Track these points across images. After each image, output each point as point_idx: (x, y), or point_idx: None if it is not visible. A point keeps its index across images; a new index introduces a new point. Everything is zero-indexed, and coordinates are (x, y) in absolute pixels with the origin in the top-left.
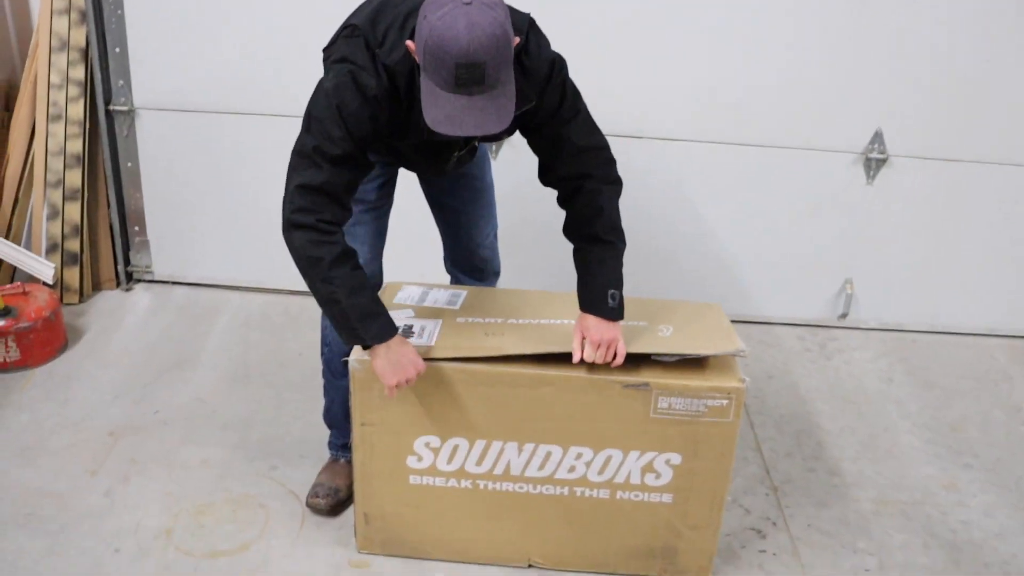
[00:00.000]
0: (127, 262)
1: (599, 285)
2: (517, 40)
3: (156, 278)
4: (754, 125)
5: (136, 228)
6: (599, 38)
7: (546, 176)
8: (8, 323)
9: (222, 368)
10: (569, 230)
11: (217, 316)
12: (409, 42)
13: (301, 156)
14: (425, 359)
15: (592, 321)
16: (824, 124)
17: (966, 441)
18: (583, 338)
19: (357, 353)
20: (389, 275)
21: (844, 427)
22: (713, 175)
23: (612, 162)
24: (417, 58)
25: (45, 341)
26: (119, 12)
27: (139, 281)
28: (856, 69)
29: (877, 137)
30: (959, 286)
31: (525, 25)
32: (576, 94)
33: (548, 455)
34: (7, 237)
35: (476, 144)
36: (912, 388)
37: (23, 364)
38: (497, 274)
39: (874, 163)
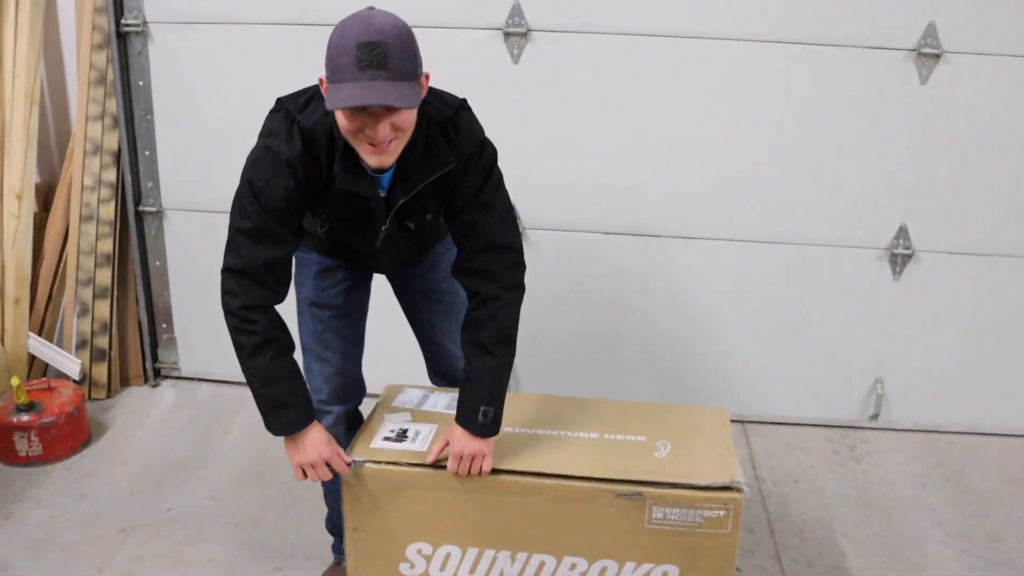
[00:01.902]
0: (155, 358)
1: (472, 400)
2: (427, 75)
3: (183, 374)
4: (777, 222)
5: (164, 325)
6: (622, 133)
7: (455, 266)
8: (32, 418)
9: (237, 466)
10: (462, 330)
11: (239, 413)
12: (320, 78)
13: (227, 242)
14: (413, 464)
15: (459, 433)
16: (848, 220)
17: (1005, 552)
18: (446, 444)
19: (353, 462)
20: (395, 375)
21: (871, 535)
22: (736, 272)
23: (519, 265)
24: (324, 89)
25: (67, 436)
26: (149, 118)
27: (166, 377)
28: (880, 164)
29: (902, 232)
30: (997, 384)
31: (456, 104)
32: (500, 186)
33: (542, 564)
34: (40, 333)
35: (411, 226)
36: (947, 493)
37: (45, 459)
38: None
39: (900, 259)
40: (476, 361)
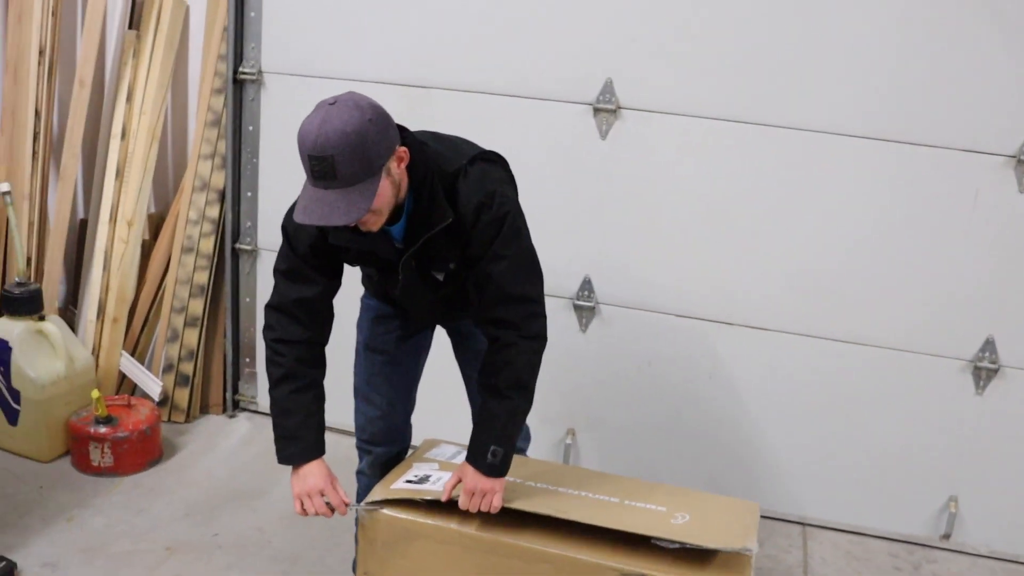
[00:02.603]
0: (235, 390)
1: (483, 440)
2: (404, 149)
3: (259, 409)
4: (853, 321)
5: (247, 359)
6: (702, 216)
7: (476, 314)
8: (107, 431)
9: (290, 503)
10: (479, 373)
11: None
12: None
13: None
14: (424, 512)
15: (470, 471)
16: (931, 327)
17: None
18: (458, 482)
19: (366, 503)
20: (443, 430)
21: None
22: (807, 369)
23: (537, 316)
24: None
25: (138, 452)
26: (254, 161)
27: (244, 409)
28: (968, 271)
29: (989, 345)
30: None
31: (472, 155)
32: (516, 237)
33: None
34: (133, 354)
35: (438, 277)
36: None
37: (114, 471)
38: (522, 451)
39: (984, 372)
40: (490, 402)
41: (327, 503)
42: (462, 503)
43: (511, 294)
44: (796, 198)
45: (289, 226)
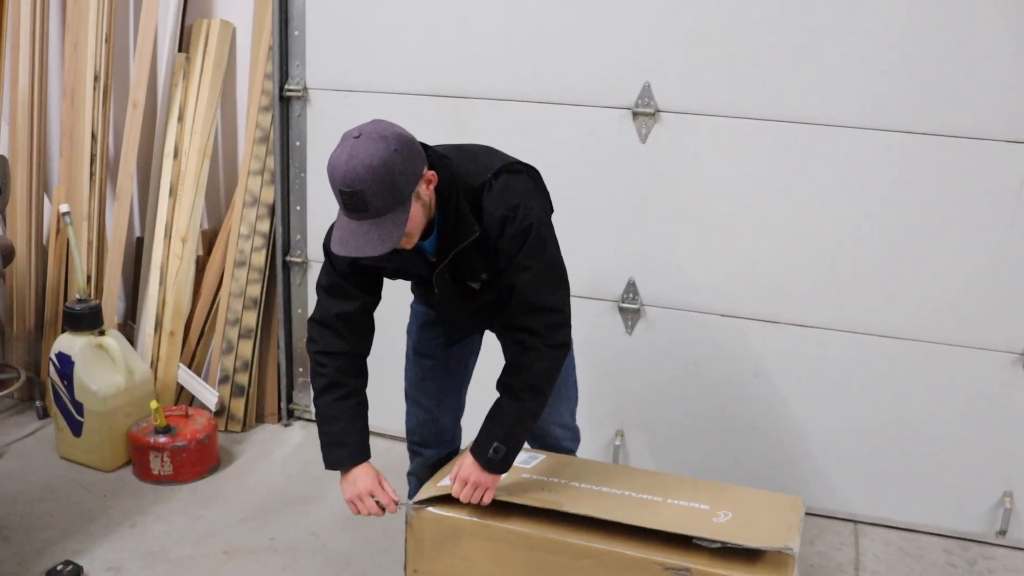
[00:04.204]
0: (289, 399)
1: (488, 435)
2: (432, 173)
3: (313, 417)
4: (898, 316)
5: (300, 369)
6: (744, 215)
7: (503, 321)
8: (166, 440)
9: (344, 507)
10: (500, 380)
11: None
12: None
13: None
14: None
15: (468, 461)
16: (980, 322)
17: None
18: (456, 474)
19: (414, 502)
20: None
21: None
22: (851, 366)
23: (561, 326)
24: None
25: (196, 461)
26: (302, 175)
27: (299, 419)
28: (1017, 264)
29: None
30: None
31: (496, 169)
32: (542, 247)
33: None
34: (190, 366)
35: (474, 286)
36: None
37: (174, 479)
38: (571, 452)
39: None
40: (503, 401)
41: (377, 502)
42: (455, 491)
43: (536, 304)
44: (838, 195)
45: (328, 244)
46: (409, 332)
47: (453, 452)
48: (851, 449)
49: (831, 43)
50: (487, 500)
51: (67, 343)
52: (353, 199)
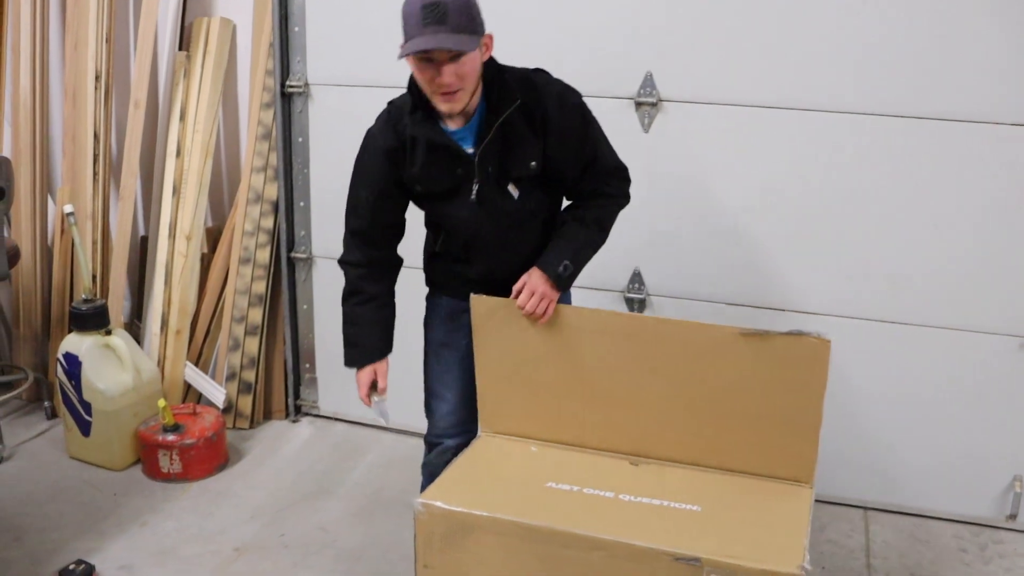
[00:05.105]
0: (296, 396)
1: (560, 253)
2: (491, 36)
3: (321, 413)
4: (906, 302)
5: (307, 365)
6: (749, 203)
7: (577, 192)
8: (175, 438)
9: (353, 503)
10: (565, 210)
11: (366, 454)
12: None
13: None
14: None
15: (537, 274)
16: (986, 306)
17: None
18: (523, 284)
19: (422, 498)
20: None
21: None
22: (860, 352)
23: (629, 182)
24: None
25: (205, 458)
26: (305, 171)
27: (306, 414)
28: (1016, 248)
29: None
30: None
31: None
32: (595, 120)
33: None
34: (197, 363)
35: (513, 194)
36: None
37: (184, 477)
38: None
39: None
40: (573, 226)
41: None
42: (521, 300)
43: (615, 167)
44: (841, 181)
45: (357, 161)
46: (429, 326)
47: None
48: (859, 436)
49: (831, 30)
50: (549, 313)
51: (74, 343)
52: (435, 11)
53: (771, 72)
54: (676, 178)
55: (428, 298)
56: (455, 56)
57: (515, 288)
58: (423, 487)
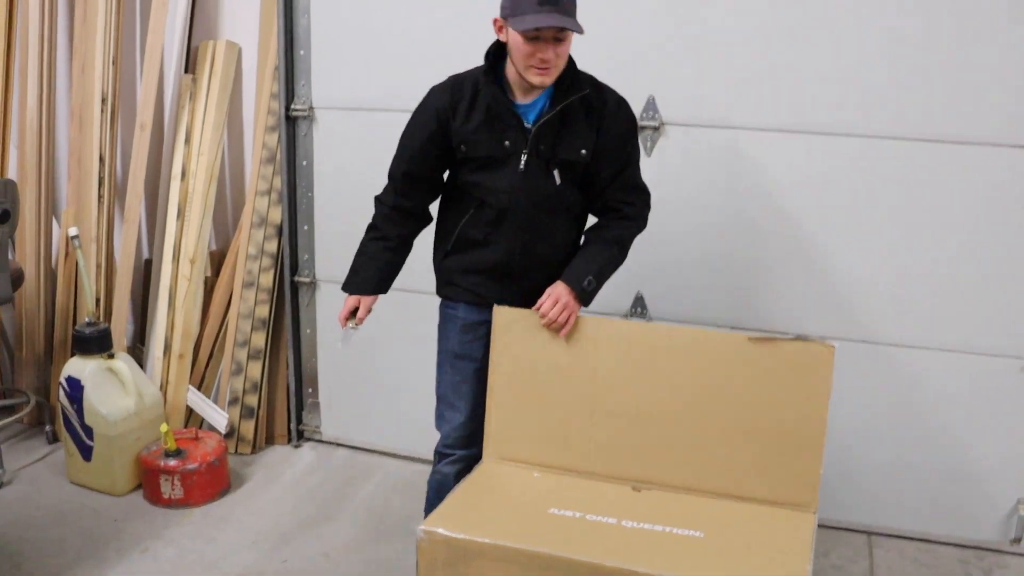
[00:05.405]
0: (299, 420)
1: (584, 270)
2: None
3: (324, 438)
4: (907, 325)
5: (310, 390)
6: (753, 228)
7: (600, 203)
8: (176, 463)
9: (355, 528)
10: (589, 230)
11: (369, 479)
12: (495, 19)
13: None
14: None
15: (562, 287)
16: (988, 329)
17: None
18: (548, 296)
19: (425, 524)
20: None
21: None
22: (862, 376)
23: (649, 207)
24: (500, 30)
25: (207, 483)
26: (309, 195)
27: (308, 439)
28: (1017, 269)
29: None
30: None
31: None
32: (639, 142)
33: None
34: (199, 388)
35: (556, 177)
36: None
37: (185, 502)
38: None
39: None
40: (597, 245)
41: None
42: (545, 308)
43: (639, 184)
44: (843, 204)
45: (415, 113)
46: (445, 336)
47: (479, 456)
48: (863, 460)
49: (832, 53)
50: (571, 324)
51: (77, 367)
52: None
53: (773, 96)
54: (678, 201)
55: (442, 307)
56: (560, 36)
57: (539, 301)
58: (428, 499)
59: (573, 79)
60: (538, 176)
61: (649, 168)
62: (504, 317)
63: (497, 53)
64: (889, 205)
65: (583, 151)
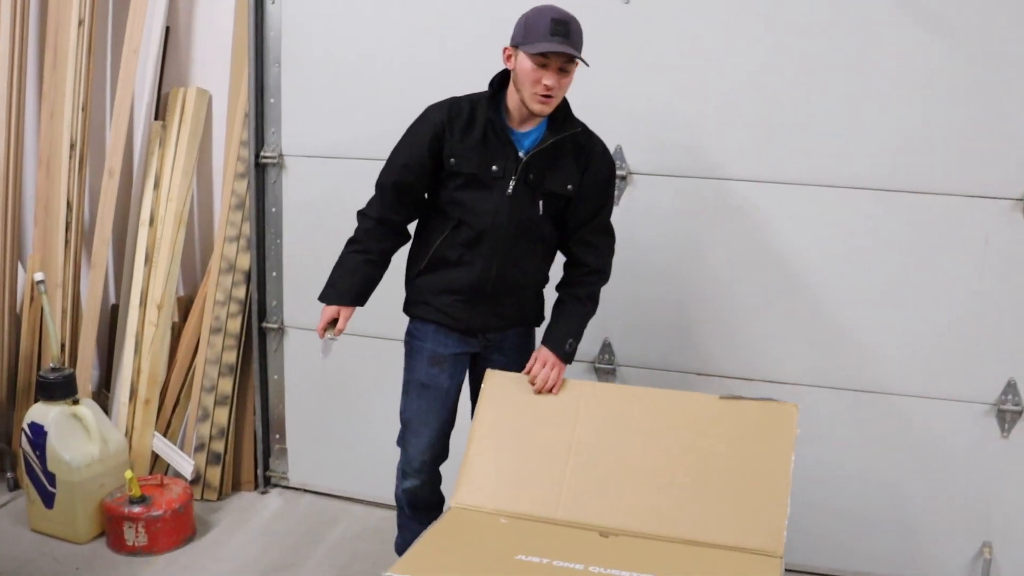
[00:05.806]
0: (266, 467)
1: (564, 333)
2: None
3: (291, 484)
4: (871, 370)
5: (277, 436)
6: (722, 276)
7: (572, 237)
8: (141, 510)
9: (322, 575)
10: (563, 285)
11: (335, 525)
12: (505, 48)
13: None
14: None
15: (546, 351)
16: (953, 374)
17: None
18: (536, 360)
19: (391, 571)
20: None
21: None
22: (825, 421)
23: (613, 253)
24: (509, 58)
25: (172, 531)
26: (278, 242)
27: (276, 486)
28: (983, 314)
29: (1011, 387)
30: None
31: None
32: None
33: None
34: (165, 434)
35: (539, 207)
36: None
37: (149, 550)
38: None
39: (1009, 415)
40: (573, 305)
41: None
42: (535, 370)
43: (609, 230)
44: (811, 252)
45: (411, 129)
46: (411, 367)
47: (437, 484)
48: (829, 503)
49: (802, 105)
50: (559, 383)
51: (40, 413)
52: (564, 27)
53: (742, 145)
54: (645, 249)
55: (408, 339)
56: (566, 67)
57: (528, 366)
58: (399, 519)
59: (567, 116)
60: (524, 202)
61: (618, 215)
62: (495, 380)
63: (501, 82)
64: (856, 253)
65: (569, 186)
